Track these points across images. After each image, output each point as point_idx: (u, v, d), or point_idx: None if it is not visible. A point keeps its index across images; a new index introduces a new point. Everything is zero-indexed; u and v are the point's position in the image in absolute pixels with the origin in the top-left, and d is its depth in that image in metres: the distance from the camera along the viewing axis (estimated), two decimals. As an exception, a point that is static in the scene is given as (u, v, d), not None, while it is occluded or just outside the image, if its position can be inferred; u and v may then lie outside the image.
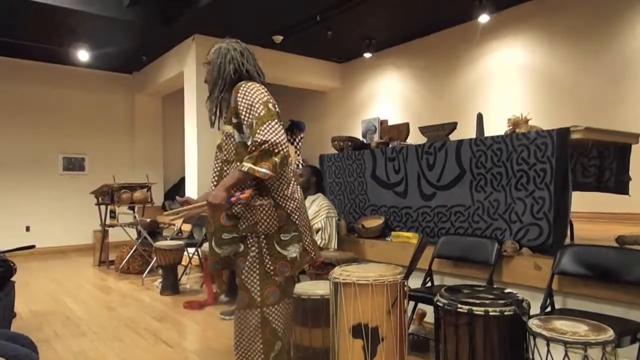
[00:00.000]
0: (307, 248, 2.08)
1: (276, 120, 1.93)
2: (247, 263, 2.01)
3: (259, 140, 1.87)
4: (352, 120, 8.05)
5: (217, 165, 2.13)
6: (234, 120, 2.02)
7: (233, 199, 1.90)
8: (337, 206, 4.20)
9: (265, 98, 1.97)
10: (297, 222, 2.05)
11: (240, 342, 2.04)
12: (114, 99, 8.63)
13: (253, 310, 2.00)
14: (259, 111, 1.92)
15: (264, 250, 2.00)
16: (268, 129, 1.88)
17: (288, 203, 2.04)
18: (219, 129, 2.20)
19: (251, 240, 2.01)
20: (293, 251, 2.03)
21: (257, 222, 1.98)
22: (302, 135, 6.87)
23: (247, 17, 5.89)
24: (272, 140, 1.87)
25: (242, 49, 2.15)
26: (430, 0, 5.68)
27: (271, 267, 2.00)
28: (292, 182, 2.08)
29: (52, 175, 8.00)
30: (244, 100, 1.97)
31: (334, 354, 2.12)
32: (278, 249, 2.01)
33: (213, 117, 2.15)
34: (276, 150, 1.87)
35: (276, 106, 2.02)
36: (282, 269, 2.01)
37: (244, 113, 1.96)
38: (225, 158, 2.07)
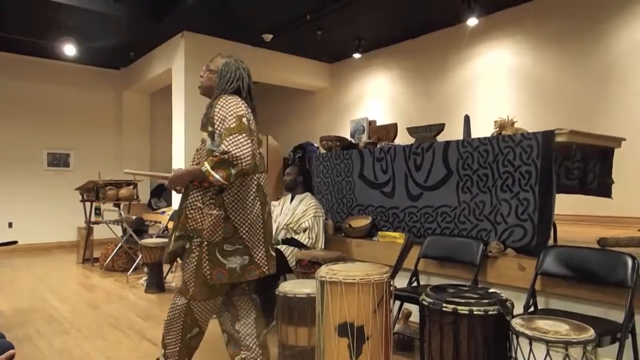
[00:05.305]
0: (259, 262, 2.20)
1: (244, 135, 2.03)
2: (188, 260, 2.19)
3: (222, 150, 2.00)
4: (340, 120, 8.06)
5: (193, 165, 2.30)
6: (210, 129, 2.16)
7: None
8: (324, 205, 4.21)
9: (241, 112, 2.09)
10: (244, 236, 2.16)
11: (168, 318, 2.27)
12: (101, 94, 8.53)
13: (182, 298, 2.21)
14: (230, 123, 2.05)
15: (204, 255, 2.13)
16: (233, 141, 2.00)
17: (239, 218, 2.15)
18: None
19: (195, 242, 2.16)
20: (234, 262, 2.15)
21: (204, 228, 2.13)
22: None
23: (237, 15, 5.87)
24: (234, 152, 1.98)
25: (248, 69, 2.31)
26: (420, 2, 5.72)
27: (208, 272, 2.13)
28: (253, 199, 2.18)
29: (36, 170, 7.88)
30: (220, 111, 2.09)
31: (319, 353, 2.12)
32: (219, 257, 2.13)
33: (205, 121, 2.27)
34: (235, 163, 1.99)
35: (252, 122, 2.15)
36: (219, 275, 2.14)
37: (217, 123, 2.09)
38: (197, 162, 2.24)
